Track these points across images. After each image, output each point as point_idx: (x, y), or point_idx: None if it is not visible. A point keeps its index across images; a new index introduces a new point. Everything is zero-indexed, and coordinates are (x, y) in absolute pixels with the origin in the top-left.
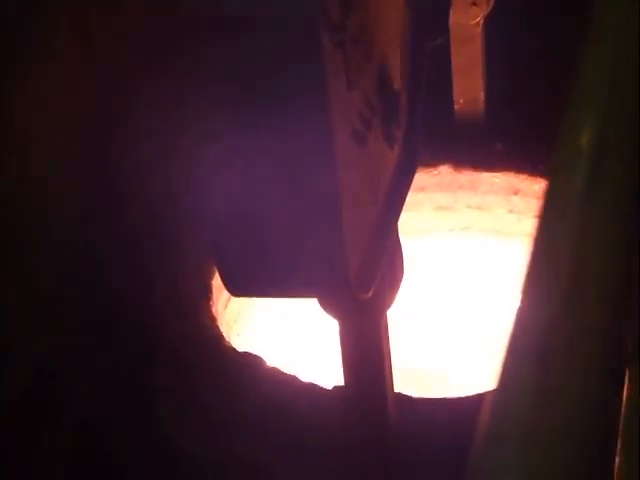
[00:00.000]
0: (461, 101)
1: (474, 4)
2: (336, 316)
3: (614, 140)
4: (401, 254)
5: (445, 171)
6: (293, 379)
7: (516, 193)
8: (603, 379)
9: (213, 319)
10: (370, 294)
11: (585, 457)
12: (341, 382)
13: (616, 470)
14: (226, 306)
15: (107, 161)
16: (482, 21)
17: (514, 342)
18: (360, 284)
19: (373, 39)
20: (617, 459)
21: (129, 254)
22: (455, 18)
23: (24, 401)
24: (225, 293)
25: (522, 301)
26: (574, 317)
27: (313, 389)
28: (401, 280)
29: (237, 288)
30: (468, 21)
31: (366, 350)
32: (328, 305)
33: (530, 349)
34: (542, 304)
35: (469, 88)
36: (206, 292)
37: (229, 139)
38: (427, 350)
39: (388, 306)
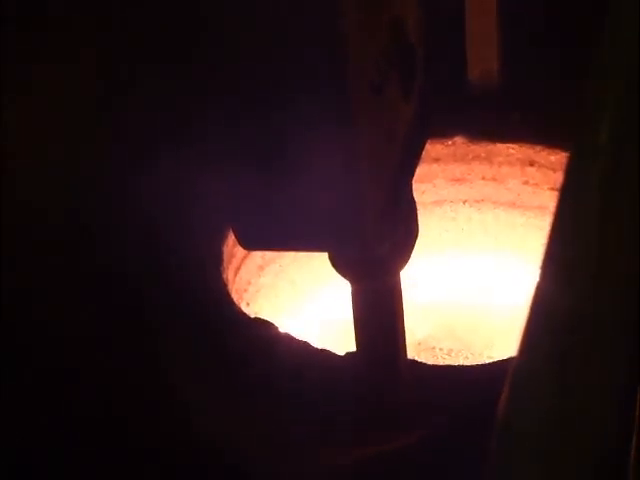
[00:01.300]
0: (475, 71)
1: None
2: (349, 275)
3: (632, 136)
4: (416, 213)
5: (459, 141)
6: (305, 344)
7: (532, 164)
8: (629, 372)
9: (224, 284)
10: (384, 249)
11: (607, 450)
12: (353, 349)
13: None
14: (236, 274)
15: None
16: None
17: (531, 329)
18: (375, 238)
19: None
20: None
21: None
22: None
23: None
24: (235, 261)
25: (541, 282)
26: (602, 303)
27: (325, 355)
28: (415, 240)
29: (251, 240)
30: None
31: (379, 313)
32: (341, 264)
33: (550, 339)
34: (566, 288)
35: (483, 58)
36: (216, 258)
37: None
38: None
39: (402, 266)
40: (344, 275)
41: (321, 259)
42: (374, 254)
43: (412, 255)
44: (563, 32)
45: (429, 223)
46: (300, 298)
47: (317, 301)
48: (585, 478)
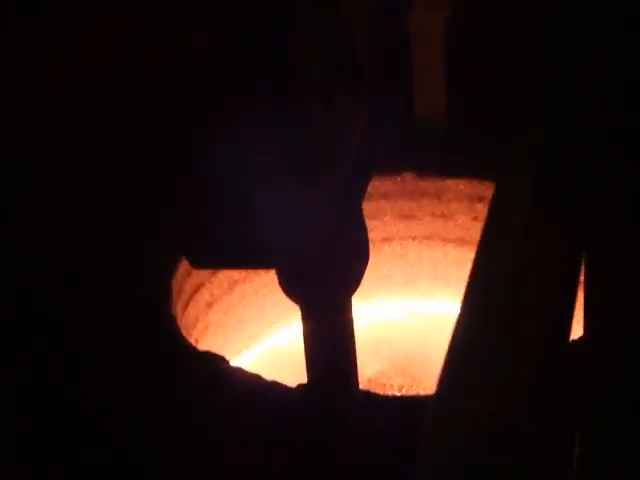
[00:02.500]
0: (424, 109)
1: (436, 7)
2: (300, 298)
3: (551, 185)
4: (366, 239)
5: (408, 178)
6: (256, 377)
7: (481, 200)
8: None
9: (173, 319)
10: (334, 267)
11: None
12: (302, 376)
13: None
14: (184, 310)
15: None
16: (444, 25)
17: (451, 355)
18: (325, 253)
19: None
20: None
21: (88, 254)
22: (417, 21)
23: None
24: (183, 296)
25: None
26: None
27: (276, 387)
28: (366, 265)
29: (201, 259)
30: (430, 24)
31: (330, 340)
32: (291, 286)
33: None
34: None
35: (432, 93)
36: (166, 292)
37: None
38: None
39: (353, 290)
40: (294, 298)
41: (269, 298)
42: (325, 271)
43: (363, 293)
44: (516, 70)
45: (378, 260)
46: (248, 335)
47: (265, 339)
48: None
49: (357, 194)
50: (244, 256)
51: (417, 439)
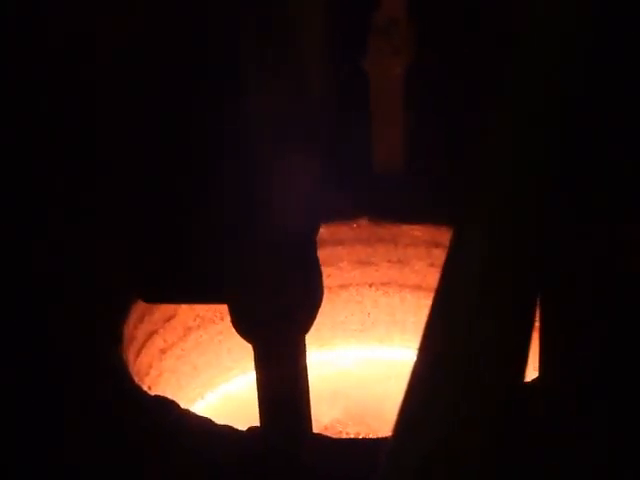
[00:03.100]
0: (380, 152)
1: (396, 53)
2: (251, 336)
3: (504, 255)
4: (320, 275)
5: (364, 224)
6: (207, 421)
7: (437, 246)
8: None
9: (124, 364)
10: (286, 301)
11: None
12: (257, 423)
13: None
14: (137, 356)
15: None
16: (403, 71)
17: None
18: (278, 286)
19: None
20: None
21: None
22: (376, 67)
23: None
24: (136, 343)
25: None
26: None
27: (228, 431)
28: (319, 302)
29: (152, 293)
30: (389, 70)
31: (283, 379)
32: (243, 325)
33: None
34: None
35: (388, 138)
36: (117, 338)
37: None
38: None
39: (306, 329)
40: (246, 336)
41: (224, 344)
42: (278, 305)
43: (319, 340)
44: (467, 113)
45: (335, 307)
46: (202, 383)
47: (220, 386)
48: None
49: (311, 232)
50: (196, 290)
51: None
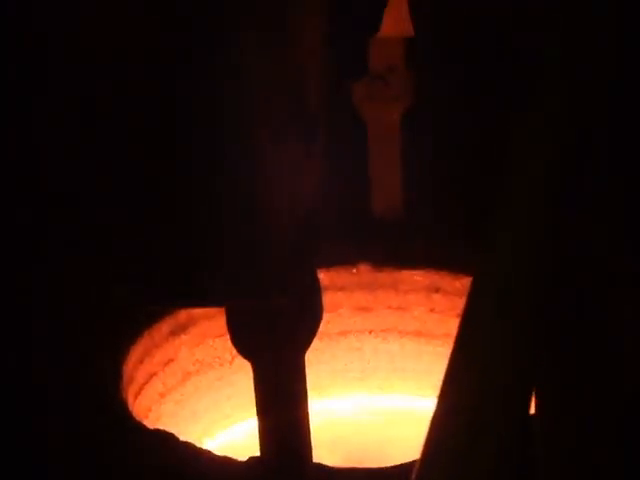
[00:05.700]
0: (379, 199)
1: (396, 99)
2: (250, 354)
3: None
4: (320, 294)
5: (364, 269)
6: (208, 453)
7: (437, 291)
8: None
9: (122, 402)
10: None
11: None
12: (257, 453)
13: None
14: (136, 399)
15: None
16: (400, 117)
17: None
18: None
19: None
20: None
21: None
22: (374, 113)
23: None
24: (135, 385)
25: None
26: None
27: (228, 462)
28: (320, 320)
29: (153, 294)
30: (387, 116)
31: (282, 400)
32: (242, 343)
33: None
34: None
35: (387, 185)
36: (116, 377)
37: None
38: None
39: (306, 346)
40: (245, 353)
41: (224, 390)
42: (276, 317)
43: (319, 387)
44: (467, 162)
45: (335, 354)
46: (202, 429)
47: (219, 433)
48: None
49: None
50: (195, 295)
51: None
